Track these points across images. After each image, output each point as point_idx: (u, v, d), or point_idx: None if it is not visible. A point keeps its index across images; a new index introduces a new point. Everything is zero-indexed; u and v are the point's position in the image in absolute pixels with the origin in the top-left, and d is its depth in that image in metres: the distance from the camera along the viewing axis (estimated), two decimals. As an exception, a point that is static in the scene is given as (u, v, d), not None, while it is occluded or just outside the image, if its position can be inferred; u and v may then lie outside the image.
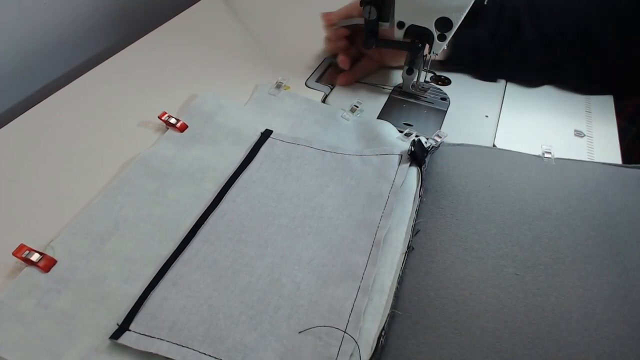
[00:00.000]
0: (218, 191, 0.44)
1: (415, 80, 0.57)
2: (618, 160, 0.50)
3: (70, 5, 0.65)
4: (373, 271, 0.38)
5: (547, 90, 0.60)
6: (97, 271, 0.37)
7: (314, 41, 0.68)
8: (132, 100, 0.55)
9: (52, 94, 0.54)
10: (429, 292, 0.37)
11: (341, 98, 0.58)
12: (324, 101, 0.58)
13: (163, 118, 0.49)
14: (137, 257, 0.38)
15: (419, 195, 0.45)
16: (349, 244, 0.40)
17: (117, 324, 0.34)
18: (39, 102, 0.53)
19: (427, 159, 0.47)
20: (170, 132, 0.49)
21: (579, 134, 0.54)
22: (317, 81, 0.60)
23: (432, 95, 0.58)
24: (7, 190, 0.43)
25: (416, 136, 0.50)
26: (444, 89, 0.59)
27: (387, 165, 0.46)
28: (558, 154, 0.49)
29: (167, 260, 0.38)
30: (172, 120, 0.50)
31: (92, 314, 0.34)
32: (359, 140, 0.51)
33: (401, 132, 0.51)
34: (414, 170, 0.47)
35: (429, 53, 0.52)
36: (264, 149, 0.48)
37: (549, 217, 0.42)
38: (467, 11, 0.47)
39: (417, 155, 0.46)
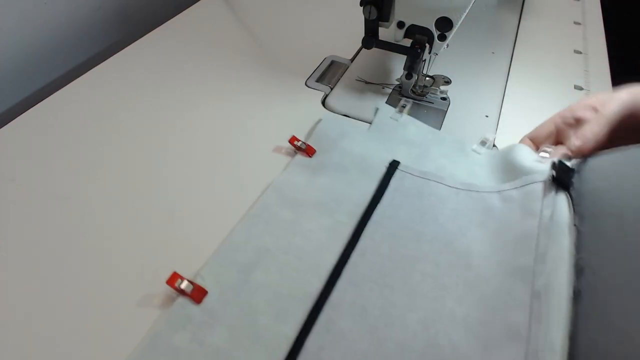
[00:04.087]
0: (355, 226, 0.42)
1: (414, 84, 0.57)
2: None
3: (71, 5, 0.65)
4: (539, 329, 0.32)
5: (547, 91, 0.60)
6: (248, 305, 0.35)
7: (314, 41, 0.68)
8: (132, 100, 0.55)
9: (52, 93, 0.54)
10: (610, 347, 0.29)
11: (341, 98, 0.58)
12: (323, 101, 0.57)
13: (294, 143, 0.48)
14: (284, 293, 0.36)
15: (574, 225, 0.37)
16: (505, 298, 0.35)
17: None
18: (39, 102, 0.53)
19: (573, 180, 0.40)
20: (300, 156, 0.48)
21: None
22: (317, 81, 0.60)
23: (432, 95, 0.58)
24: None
25: (555, 159, 0.43)
26: (444, 89, 0.59)
27: (531, 197, 0.41)
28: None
29: (316, 302, 0.36)
30: (300, 144, 0.48)
31: (249, 354, 0.33)
32: (493, 174, 0.47)
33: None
34: (562, 196, 0.39)
35: (430, 53, 0.52)
36: (393, 182, 0.46)
37: None
38: (467, 11, 0.47)
39: (562, 179, 0.40)
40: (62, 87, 0.55)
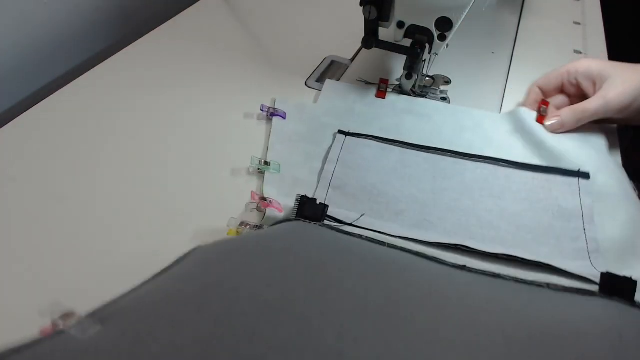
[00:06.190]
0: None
1: (414, 84, 0.57)
2: (618, 160, 0.50)
3: (71, 5, 0.65)
4: None
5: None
6: None
7: (314, 41, 0.68)
8: (132, 100, 0.55)
9: (52, 93, 0.54)
10: None
11: (341, 98, 0.58)
12: (324, 101, 0.57)
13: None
14: None
15: None
16: None
17: None
18: (39, 102, 0.53)
19: None
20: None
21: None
22: (317, 81, 0.60)
23: (432, 95, 0.58)
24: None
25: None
26: (444, 88, 0.59)
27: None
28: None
29: None
30: None
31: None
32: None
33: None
34: None
35: (430, 53, 0.52)
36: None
37: None
38: (467, 11, 0.47)
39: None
40: (62, 87, 0.55)
